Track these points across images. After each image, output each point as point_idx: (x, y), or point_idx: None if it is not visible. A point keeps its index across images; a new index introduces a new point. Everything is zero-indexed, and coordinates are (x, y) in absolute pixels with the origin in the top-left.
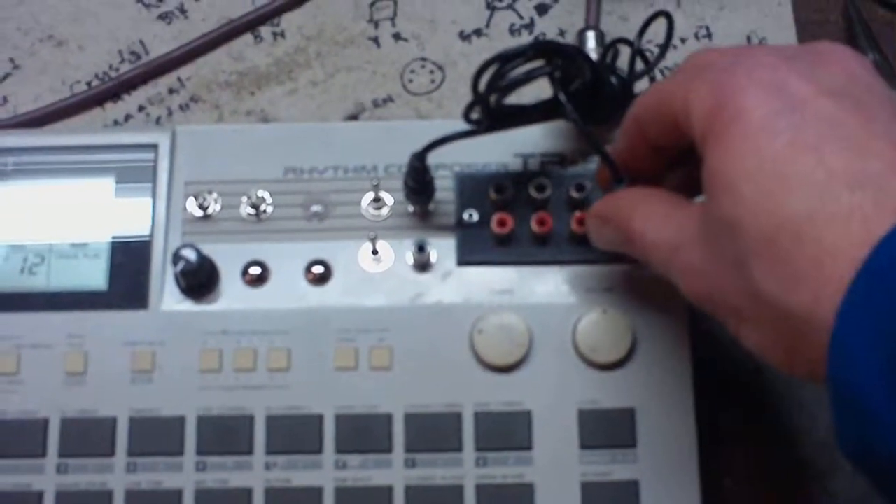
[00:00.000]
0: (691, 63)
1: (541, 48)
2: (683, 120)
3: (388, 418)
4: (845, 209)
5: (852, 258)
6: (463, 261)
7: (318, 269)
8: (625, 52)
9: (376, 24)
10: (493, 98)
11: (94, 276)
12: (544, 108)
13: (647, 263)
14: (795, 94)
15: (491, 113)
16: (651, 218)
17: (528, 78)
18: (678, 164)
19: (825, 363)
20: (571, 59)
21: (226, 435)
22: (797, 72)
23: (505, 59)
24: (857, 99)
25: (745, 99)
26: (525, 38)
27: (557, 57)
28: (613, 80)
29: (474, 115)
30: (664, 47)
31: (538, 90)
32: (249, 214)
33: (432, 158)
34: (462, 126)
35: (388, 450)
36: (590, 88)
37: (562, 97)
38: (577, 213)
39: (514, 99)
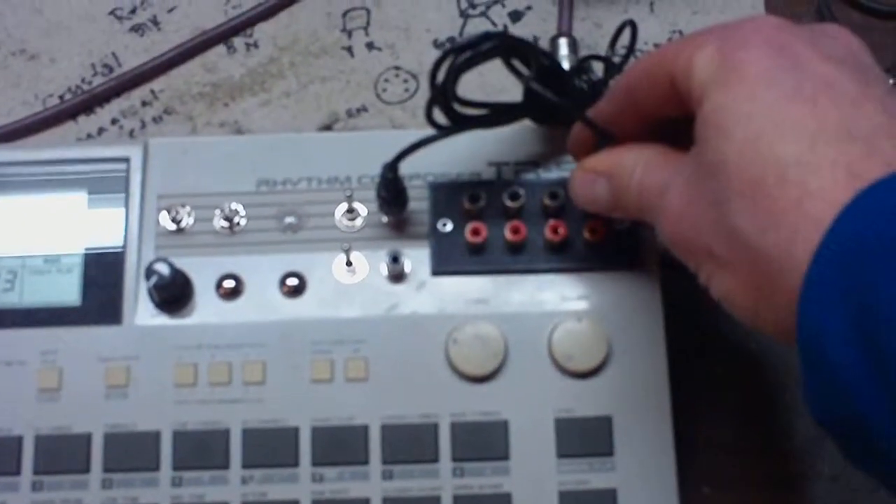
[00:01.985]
0: (693, 32)
1: (492, 38)
2: (683, 78)
3: (364, 430)
4: (833, 156)
5: (833, 202)
6: (437, 271)
7: (292, 282)
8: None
9: (349, 34)
10: (448, 89)
11: (68, 291)
12: (508, 107)
13: (635, 213)
14: (798, 55)
15: (451, 113)
16: (649, 164)
17: (480, 57)
18: (663, 135)
19: (792, 311)
20: (523, 49)
21: (202, 449)
22: (801, 37)
23: (458, 51)
24: (855, 68)
25: (749, 52)
26: None
27: (511, 48)
28: (584, 84)
29: (437, 118)
30: (629, 51)
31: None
32: (223, 227)
33: (405, 168)
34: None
35: (365, 461)
36: (551, 78)
37: (526, 76)
38: (552, 222)
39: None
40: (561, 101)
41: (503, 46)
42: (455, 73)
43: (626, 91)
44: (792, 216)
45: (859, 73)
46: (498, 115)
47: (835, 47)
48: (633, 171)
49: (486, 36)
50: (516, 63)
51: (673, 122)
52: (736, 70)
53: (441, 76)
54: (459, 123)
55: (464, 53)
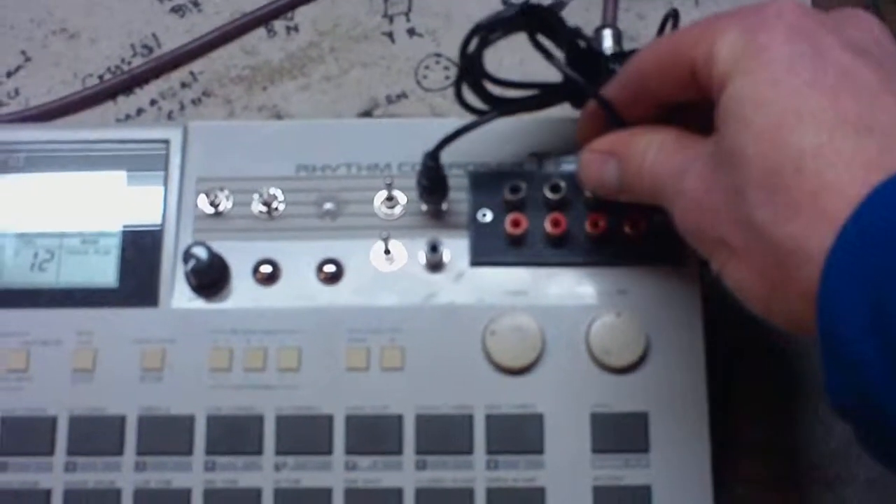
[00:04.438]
0: (712, 16)
1: (523, 13)
2: (704, 66)
3: (398, 419)
4: (850, 150)
5: (850, 196)
6: (476, 261)
7: (329, 268)
8: None
9: (391, 19)
10: (476, 65)
11: (105, 272)
12: (541, 87)
13: (646, 196)
14: (820, 42)
15: (483, 93)
16: (664, 147)
17: (504, 30)
18: (674, 120)
19: (805, 303)
20: (554, 24)
21: (235, 434)
22: (824, 23)
23: (487, 29)
24: (877, 58)
25: (773, 36)
26: None
27: (541, 21)
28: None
29: (467, 99)
30: None
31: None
32: (261, 212)
33: (446, 157)
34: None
35: (399, 451)
36: (586, 60)
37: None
38: (592, 215)
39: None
40: (576, 76)
41: (531, 16)
42: (481, 45)
43: (638, 78)
44: (807, 209)
45: (881, 63)
46: (536, 96)
47: (858, 35)
48: (646, 153)
49: (515, 6)
50: (543, 39)
51: (685, 107)
52: (759, 55)
53: (471, 49)
54: (495, 105)
55: (491, 25)
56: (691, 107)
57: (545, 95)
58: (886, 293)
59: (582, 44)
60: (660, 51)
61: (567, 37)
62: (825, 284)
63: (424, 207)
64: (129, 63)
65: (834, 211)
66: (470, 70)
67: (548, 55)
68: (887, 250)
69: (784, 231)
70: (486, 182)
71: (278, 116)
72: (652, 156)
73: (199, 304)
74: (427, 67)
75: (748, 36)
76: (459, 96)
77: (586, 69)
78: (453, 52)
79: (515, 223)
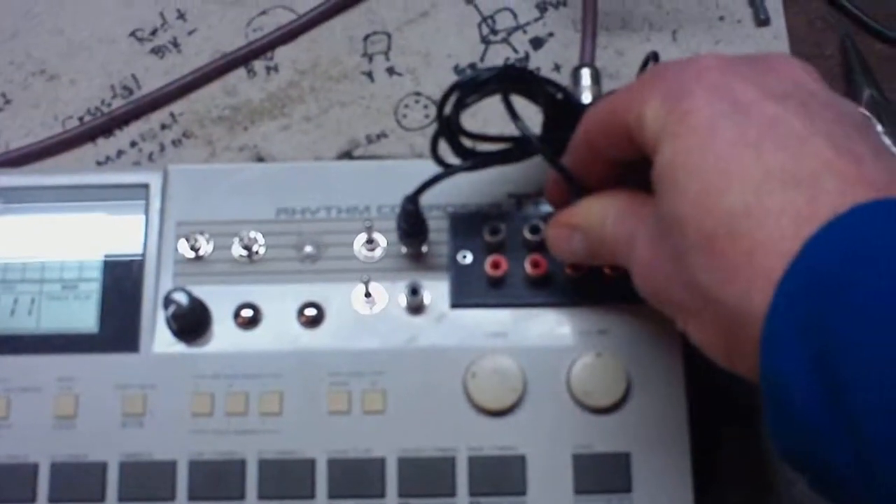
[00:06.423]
0: (643, 77)
1: (502, 74)
2: (637, 130)
3: (381, 462)
4: (778, 206)
5: (782, 252)
6: (457, 303)
7: (310, 312)
8: None
9: (370, 58)
10: (452, 123)
11: (85, 318)
12: (517, 140)
13: (612, 262)
14: (740, 97)
15: (458, 147)
16: (618, 214)
17: (481, 93)
18: (630, 175)
19: (759, 358)
20: (531, 83)
21: (218, 480)
22: (743, 76)
23: (465, 87)
24: (801, 102)
25: (692, 101)
26: None
27: (518, 82)
28: None
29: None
30: None
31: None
32: (241, 256)
33: (425, 199)
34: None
35: (382, 494)
36: (561, 110)
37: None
38: None
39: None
40: (539, 144)
41: (506, 77)
42: (458, 107)
43: (585, 142)
44: (745, 269)
45: (805, 104)
46: (512, 150)
47: (779, 81)
48: (605, 222)
49: (492, 69)
50: (521, 97)
51: (641, 162)
52: (682, 121)
53: (447, 109)
54: (468, 157)
55: (467, 86)
56: (646, 161)
57: (520, 148)
58: (826, 343)
59: (559, 95)
60: (598, 117)
61: (544, 93)
62: (766, 339)
63: (404, 250)
64: (109, 104)
65: (770, 269)
66: (447, 129)
67: (514, 116)
68: (823, 302)
69: (727, 293)
70: (466, 224)
71: (259, 157)
72: (610, 224)
73: (181, 348)
74: (407, 106)
75: (671, 103)
76: (435, 154)
77: (566, 122)
78: (433, 90)
79: (495, 265)
